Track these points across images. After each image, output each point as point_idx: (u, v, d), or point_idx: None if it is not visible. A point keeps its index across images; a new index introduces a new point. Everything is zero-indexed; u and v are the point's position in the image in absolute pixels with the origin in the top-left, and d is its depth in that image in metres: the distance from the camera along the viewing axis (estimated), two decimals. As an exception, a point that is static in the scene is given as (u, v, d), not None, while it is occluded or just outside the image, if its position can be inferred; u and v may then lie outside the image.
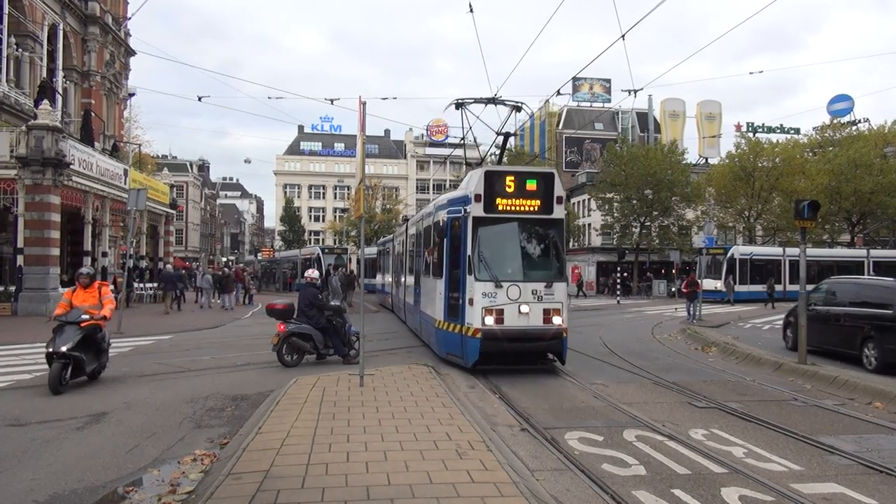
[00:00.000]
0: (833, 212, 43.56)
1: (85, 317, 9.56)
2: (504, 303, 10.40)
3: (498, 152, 15.14)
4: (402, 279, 19.24)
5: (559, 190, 11.05)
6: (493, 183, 10.74)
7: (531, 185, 10.82)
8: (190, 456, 6.19)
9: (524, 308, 10.43)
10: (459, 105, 13.22)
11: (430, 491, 4.85)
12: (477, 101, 13.35)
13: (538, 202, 10.83)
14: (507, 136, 13.58)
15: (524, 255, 11.11)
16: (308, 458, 5.64)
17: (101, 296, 10.07)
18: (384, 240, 29.63)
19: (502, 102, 13.22)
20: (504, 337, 10.39)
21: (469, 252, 10.65)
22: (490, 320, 10.33)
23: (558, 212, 11.05)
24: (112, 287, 25.37)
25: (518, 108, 13.25)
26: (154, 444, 6.71)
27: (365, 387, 8.81)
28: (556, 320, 10.59)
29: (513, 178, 10.85)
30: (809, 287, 13.46)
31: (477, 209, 10.67)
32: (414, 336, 16.12)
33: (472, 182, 10.94)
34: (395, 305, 22.58)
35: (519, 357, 11.00)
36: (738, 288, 34.72)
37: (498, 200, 10.71)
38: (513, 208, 10.76)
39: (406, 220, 20.42)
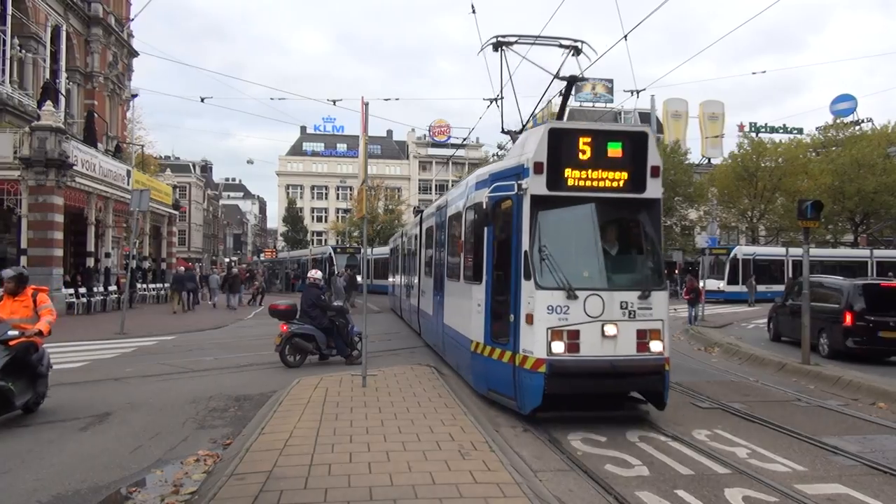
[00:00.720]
0: (836, 212, 43.49)
1: (13, 333, 7.40)
2: (580, 321, 7.26)
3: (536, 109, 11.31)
4: (416, 282, 16.14)
5: (654, 157, 7.84)
6: (560, 146, 7.58)
7: (615, 149, 7.66)
8: (193, 456, 6.20)
9: (610, 329, 7.28)
10: (498, 46, 10.13)
11: (432, 491, 4.85)
12: (520, 39, 10.12)
13: (625, 174, 7.69)
14: (571, 80, 9.52)
15: (607, 252, 7.91)
16: (311, 458, 5.64)
17: (36, 305, 7.91)
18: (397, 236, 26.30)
19: (557, 43, 9.92)
20: (581, 372, 7.26)
21: (525, 247, 7.52)
22: (559, 347, 7.22)
23: (653, 188, 7.86)
24: (115, 288, 25.73)
25: (577, 51, 9.84)
26: (157, 444, 6.73)
27: (367, 387, 8.81)
28: (656, 346, 7.42)
29: (589, 138, 7.62)
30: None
31: (537, 184, 7.54)
32: (416, 336, 16.11)
33: (529, 145, 7.77)
34: (403, 310, 20.18)
35: (598, 399, 7.95)
36: (740, 288, 34.63)
37: (567, 172, 7.57)
38: (589, 183, 7.61)
39: (419, 211, 17.09)
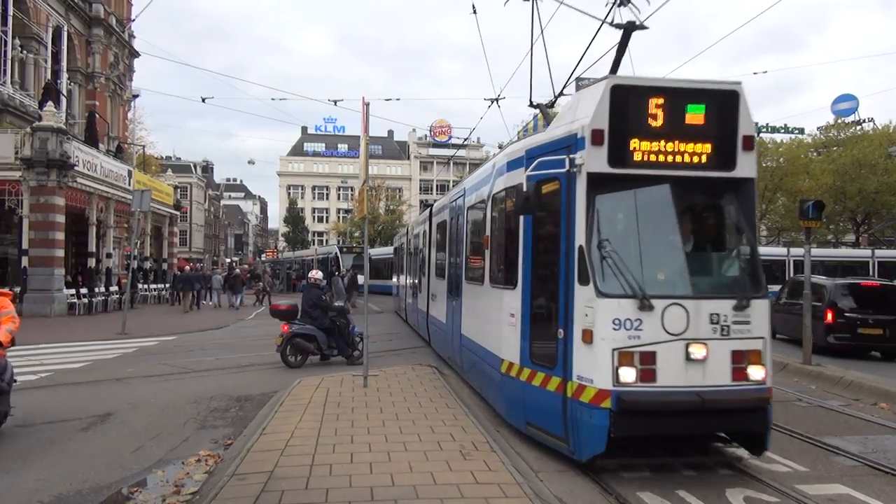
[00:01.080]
0: (838, 212, 43.47)
1: None
2: (657, 339, 5.62)
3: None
4: (425, 284, 14.53)
5: (747, 124, 6.14)
6: (626, 109, 5.92)
7: (696, 113, 5.99)
8: (194, 457, 6.21)
9: (697, 350, 5.63)
10: None
11: (434, 492, 4.86)
12: None
13: (709, 147, 6.04)
14: (629, 28, 7.12)
15: (688, 248, 6.31)
16: (312, 458, 5.65)
17: None
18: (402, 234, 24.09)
19: None
20: (659, 408, 5.56)
21: (581, 240, 5.87)
22: (629, 374, 5.56)
23: (745, 165, 6.15)
24: (116, 288, 25.76)
25: None
26: (158, 444, 6.74)
27: (369, 388, 8.81)
28: (756, 373, 5.78)
29: (663, 99, 5.92)
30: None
31: (595, 159, 5.87)
32: (418, 336, 16.10)
33: (584, 108, 6.08)
34: (408, 314, 18.88)
35: (678, 442, 6.23)
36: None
37: (635, 143, 5.92)
38: (662, 158, 5.95)
39: (429, 205, 15.44)
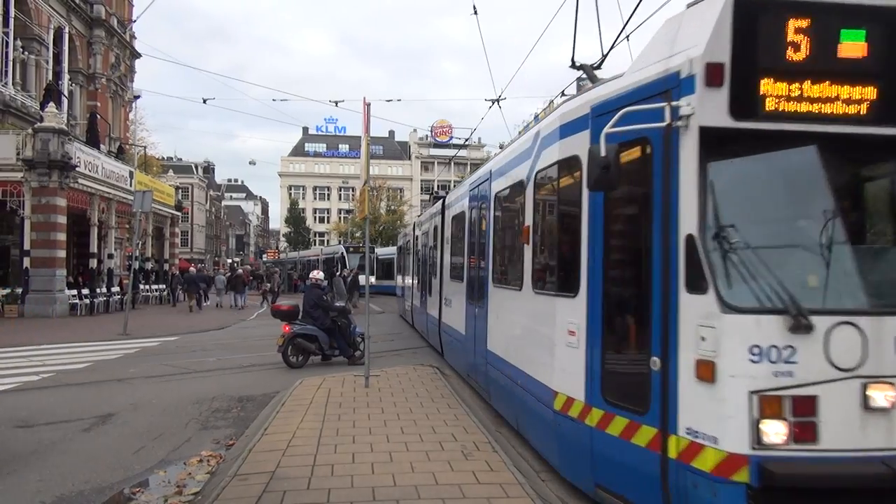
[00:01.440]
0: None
1: None
2: (818, 377, 3.74)
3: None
4: (436, 287, 12.79)
5: None
6: (755, 33, 3.91)
7: (854, 42, 3.93)
8: (196, 457, 6.21)
9: (879, 393, 3.77)
10: None
11: (435, 492, 4.85)
12: None
13: (873, 91, 4.00)
14: None
15: (852, 242, 4.16)
16: (314, 459, 5.65)
17: None
18: (408, 230, 21.85)
19: None
20: (826, 484, 3.68)
21: (690, 227, 3.95)
22: (777, 431, 3.69)
23: None
24: (118, 289, 25.78)
25: None
26: (160, 445, 6.74)
27: (370, 388, 8.81)
28: None
29: (807, 20, 3.89)
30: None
31: (712, 108, 3.91)
32: (419, 336, 16.09)
33: (689, 34, 4.08)
34: (415, 318, 17.18)
35: None
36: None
37: (767, 85, 3.92)
38: (808, 108, 3.95)
39: (439, 197, 13.67)
